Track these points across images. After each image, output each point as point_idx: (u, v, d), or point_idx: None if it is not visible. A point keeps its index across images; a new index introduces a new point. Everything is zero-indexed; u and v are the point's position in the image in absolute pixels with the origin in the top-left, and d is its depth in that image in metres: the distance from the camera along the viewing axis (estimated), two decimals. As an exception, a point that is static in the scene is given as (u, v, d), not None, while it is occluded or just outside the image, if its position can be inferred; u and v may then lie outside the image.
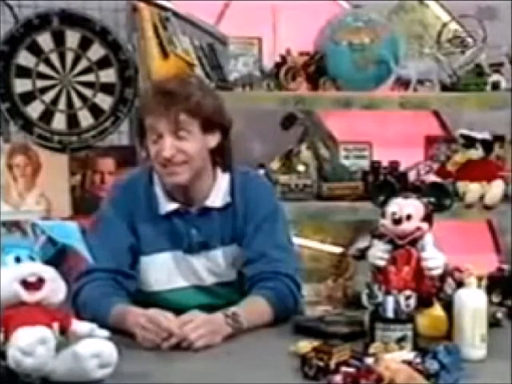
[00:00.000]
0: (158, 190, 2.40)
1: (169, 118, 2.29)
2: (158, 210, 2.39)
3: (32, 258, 1.81)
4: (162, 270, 2.39)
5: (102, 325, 1.90)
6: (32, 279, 1.76)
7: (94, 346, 1.79)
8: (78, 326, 1.83)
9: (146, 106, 2.36)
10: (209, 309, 2.20)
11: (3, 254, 1.79)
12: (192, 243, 2.39)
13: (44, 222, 1.90)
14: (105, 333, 1.85)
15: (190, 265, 2.40)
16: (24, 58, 3.53)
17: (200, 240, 2.39)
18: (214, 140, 2.37)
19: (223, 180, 2.42)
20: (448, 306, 2.08)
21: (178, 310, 2.15)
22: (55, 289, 1.80)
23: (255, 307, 2.26)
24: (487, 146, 3.47)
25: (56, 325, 1.77)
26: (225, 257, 2.40)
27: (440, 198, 2.17)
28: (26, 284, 1.76)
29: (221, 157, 2.42)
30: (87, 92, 3.60)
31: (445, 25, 3.70)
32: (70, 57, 3.57)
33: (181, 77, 2.60)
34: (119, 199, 2.42)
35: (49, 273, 1.79)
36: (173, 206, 2.39)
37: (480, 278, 2.07)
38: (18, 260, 1.79)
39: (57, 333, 1.77)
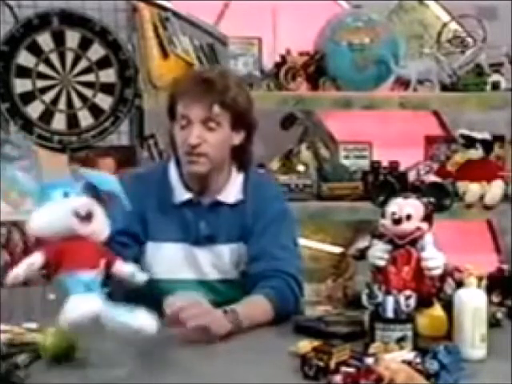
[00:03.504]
0: (175, 180, 2.42)
1: (202, 106, 2.31)
2: (172, 199, 2.40)
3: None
4: (168, 259, 2.40)
5: None
6: (83, 211, 1.79)
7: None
8: (121, 266, 1.88)
9: (180, 92, 2.36)
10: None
11: (50, 191, 1.81)
12: (199, 236, 2.40)
13: (84, 170, 1.91)
14: (144, 276, 1.91)
15: (194, 257, 2.41)
16: (24, 58, 3.52)
17: (207, 233, 2.40)
18: (238, 138, 2.40)
19: (237, 178, 2.45)
20: (448, 305, 2.08)
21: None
22: (102, 224, 1.83)
23: (255, 305, 2.26)
24: (487, 145, 3.47)
25: (103, 262, 1.81)
26: (230, 254, 2.41)
27: (440, 198, 2.17)
28: (78, 216, 1.78)
29: (240, 156, 2.44)
30: (87, 92, 3.60)
31: (445, 25, 3.71)
32: (69, 57, 3.57)
33: (221, 69, 2.59)
34: (130, 187, 2.39)
35: (97, 208, 1.82)
36: (187, 195, 2.41)
37: (480, 278, 2.07)
38: (66, 195, 1.81)
39: (102, 272, 1.80)
